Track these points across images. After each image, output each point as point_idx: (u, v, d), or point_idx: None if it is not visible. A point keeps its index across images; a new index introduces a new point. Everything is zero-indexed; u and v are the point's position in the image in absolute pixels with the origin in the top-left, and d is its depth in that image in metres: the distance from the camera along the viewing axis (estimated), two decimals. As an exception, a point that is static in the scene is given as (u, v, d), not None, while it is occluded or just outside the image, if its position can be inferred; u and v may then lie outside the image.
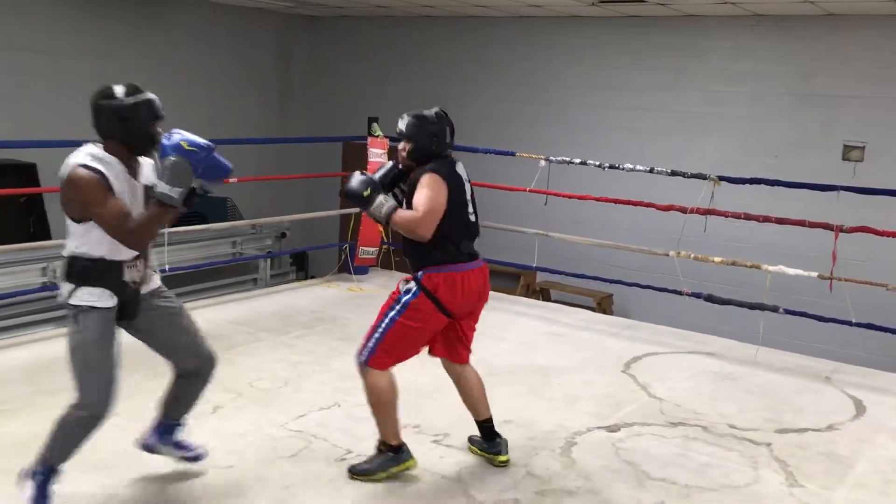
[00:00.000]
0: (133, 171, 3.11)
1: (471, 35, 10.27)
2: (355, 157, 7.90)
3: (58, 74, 8.99)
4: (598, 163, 6.67)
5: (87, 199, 2.95)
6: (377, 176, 3.62)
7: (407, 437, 4.07)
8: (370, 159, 7.15)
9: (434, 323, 3.55)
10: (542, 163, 6.83)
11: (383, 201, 3.47)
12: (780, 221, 5.96)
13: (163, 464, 3.62)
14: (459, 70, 10.38)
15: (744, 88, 8.59)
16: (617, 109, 9.25)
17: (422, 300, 3.48)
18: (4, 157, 8.36)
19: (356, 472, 3.61)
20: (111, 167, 3.01)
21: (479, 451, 3.89)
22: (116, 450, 3.58)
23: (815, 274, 5.72)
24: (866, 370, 5.67)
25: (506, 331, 6.07)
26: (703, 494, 3.70)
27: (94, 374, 3.05)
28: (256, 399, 4.49)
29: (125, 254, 3.09)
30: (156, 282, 3.32)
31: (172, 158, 2.94)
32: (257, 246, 9.10)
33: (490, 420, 3.85)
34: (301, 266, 10.29)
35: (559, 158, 6.85)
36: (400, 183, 3.66)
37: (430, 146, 3.58)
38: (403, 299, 3.50)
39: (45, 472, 3.10)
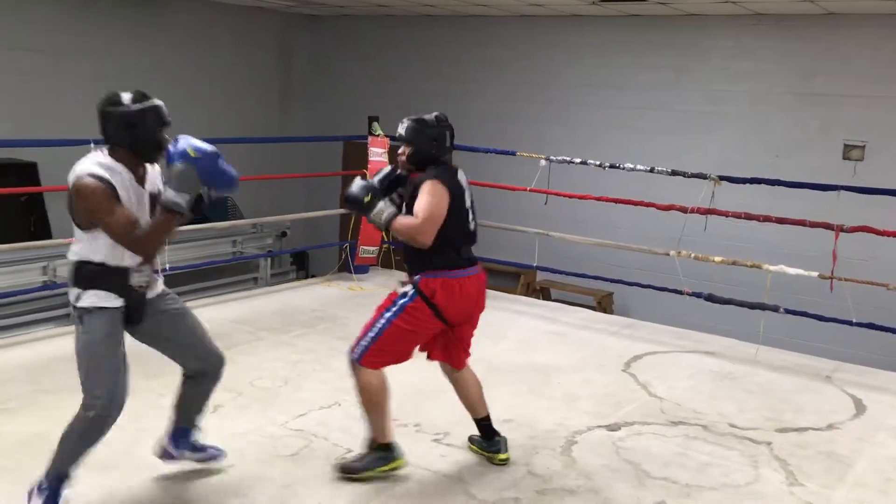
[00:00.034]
0: (140, 178, 3.12)
1: (471, 34, 10.27)
2: (356, 156, 7.91)
3: (58, 74, 8.99)
4: (598, 162, 6.67)
5: (95, 207, 2.96)
6: (376, 181, 3.62)
7: (407, 435, 4.08)
8: (371, 158, 7.15)
9: (429, 327, 3.55)
10: (543, 162, 6.84)
11: (383, 208, 3.48)
12: (780, 221, 5.96)
13: (163, 463, 3.62)
14: (460, 69, 10.38)
15: (744, 87, 8.59)
16: (618, 108, 9.25)
17: (418, 304, 3.48)
18: (5, 156, 8.36)
19: (345, 471, 3.59)
20: (118, 175, 3.02)
21: (478, 450, 3.90)
22: (116, 450, 3.58)
23: (815, 273, 5.72)
24: (866, 369, 5.67)
25: (506, 330, 6.07)
26: (704, 493, 3.70)
27: (101, 374, 3.04)
28: (257, 398, 4.49)
29: (131, 259, 3.10)
30: (160, 286, 3.32)
31: (179, 165, 2.95)
32: (258, 245, 9.11)
33: (488, 418, 3.85)
34: (301, 265, 10.29)
35: (560, 158, 6.85)
36: (398, 187, 3.66)
37: (430, 150, 3.58)
38: (400, 302, 3.51)
39: (53, 486, 3.08)
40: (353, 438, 3.99)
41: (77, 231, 3.08)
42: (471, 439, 3.96)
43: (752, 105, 8.57)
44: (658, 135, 8.97)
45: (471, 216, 3.64)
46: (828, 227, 5.64)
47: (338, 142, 10.25)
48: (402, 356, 3.59)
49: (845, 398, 5.03)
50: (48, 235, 8.14)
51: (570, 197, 6.87)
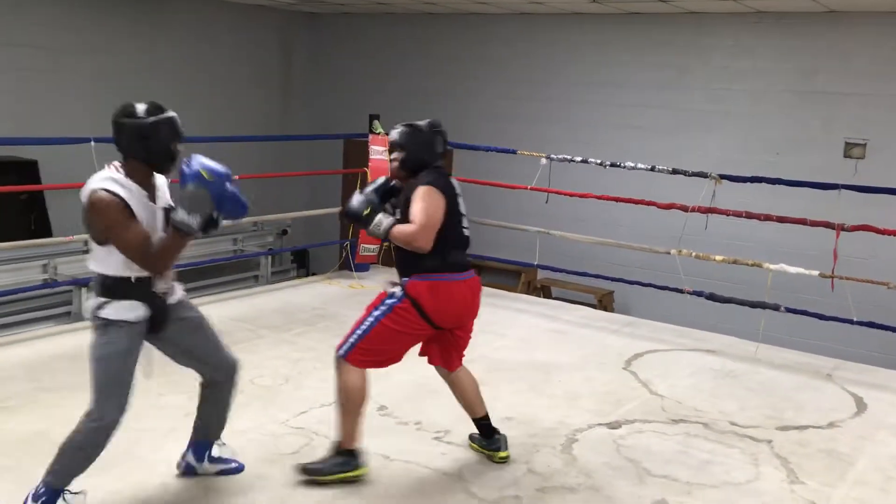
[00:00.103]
0: (151, 194, 3.13)
1: (472, 32, 10.26)
2: (356, 154, 7.90)
3: (58, 71, 8.99)
4: (599, 161, 6.67)
5: (108, 223, 2.97)
6: (370, 191, 3.63)
7: (408, 434, 4.09)
8: (371, 157, 7.15)
9: (416, 330, 3.53)
10: (544, 161, 6.84)
11: (382, 219, 3.50)
12: (781, 220, 5.95)
13: (163, 462, 3.63)
14: (460, 67, 10.38)
15: (745, 86, 8.58)
16: (618, 107, 9.25)
17: (405, 306, 3.48)
18: (5, 155, 8.36)
19: (306, 472, 3.54)
20: (131, 192, 3.03)
21: (479, 448, 3.90)
22: (117, 449, 3.56)
23: (816, 272, 5.72)
24: (867, 367, 5.68)
25: (507, 328, 6.07)
26: (704, 491, 3.70)
27: (115, 388, 3.05)
28: (258, 396, 4.49)
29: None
30: (179, 293, 3.32)
31: (192, 187, 2.97)
32: (258, 243, 9.11)
33: (486, 417, 3.86)
34: (302, 263, 10.28)
35: (560, 156, 6.85)
36: (392, 198, 3.66)
37: (422, 155, 3.59)
38: (388, 302, 3.51)
39: (50, 496, 3.07)
40: (354, 436, 3.99)
41: (94, 245, 3.08)
42: (471, 437, 3.96)
43: (752, 103, 8.57)
44: (659, 133, 8.96)
45: (465, 221, 3.64)
46: (828, 225, 5.64)
47: (338, 140, 10.22)
48: (388, 357, 3.58)
49: (846, 396, 5.04)
50: (48, 233, 8.14)
51: (571, 195, 6.87)
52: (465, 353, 3.80)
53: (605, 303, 8.82)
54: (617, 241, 7.17)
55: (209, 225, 3.06)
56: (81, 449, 3.06)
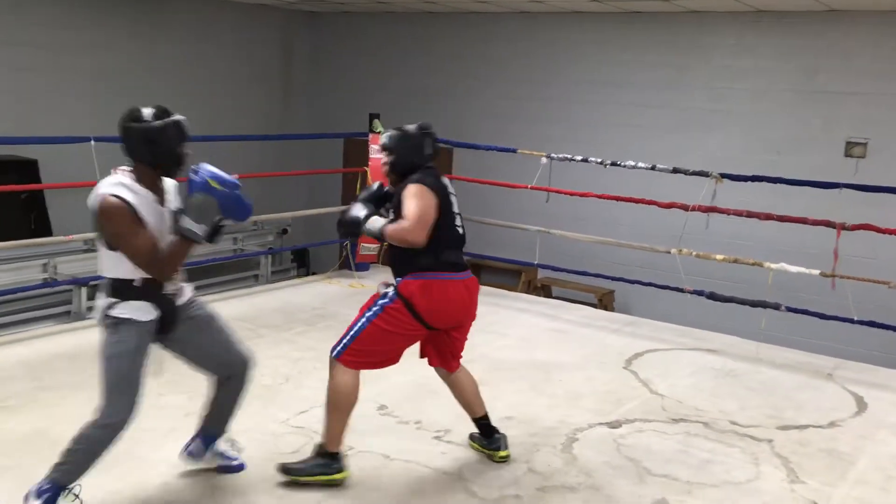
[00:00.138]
0: (160, 198, 3.15)
1: (472, 31, 10.26)
2: (357, 153, 7.91)
3: (58, 70, 8.99)
4: (599, 160, 6.66)
5: (117, 230, 3.00)
6: (363, 197, 3.66)
7: (408, 433, 4.09)
8: (371, 155, 7.15)
9: (409, 330, 3.50)
10: (544, 160, 6.84)
11: (376, 220, 3.52)
12: (781, 219, 5.95)
13: (163, 462, 3.63)
14: (461, 66, 10.38)
15: (746, 85, 8.57)
16: (619, 106, 9.24)
17: (397, 306, 3.46)
18: (5, 154, 8.36)
19: (287, 471, 3.53)
20: (140, 197, 3.05)
21: (479, 448, 3.90)
22: (117, 449, 3.56)
23: (817, 271, 5.72)
24: (867, 367, 5.67)
25: (507, 327, 6.07)
26: (705, 491, 3.70)
27: (124, 388, 3.07)
28: (258, 395, 4.46)
29: None
30: (189, 292, 3.34)
31: (199, 196, 3.01)
32: (258, 242, 9.10)
33: (486, 417, 3.85)
34: (302, 262, 10.29)
35: (561, 155, 6.85)
36: (386, 202, 3.68)
37: (411, 158, 3.61)
38: (380, 302, 3.50)
39: (53, 493, 3.08)
40: (354, 434, 3.98)
41: (104, 250, 3.11)
42: (471, 437, 3.96)
43: (753, 102, 8.56)
44: (659, 132, 8.96)
45: (458, 220, 3.63)
46: (829, 224, 5.64)
47: (339, 139, 10.25)
48: (382, 359, 3.56)
49: (846, 396, 5.03)
50: (49, 233, 8.14)
51: (572, 194, 6.87)
52: (462, 354, 3.79)
53: (605, 302, 8.82)
54: (617, 240, 7.16)
55: (215, 233, 3.13)
56: (90, 447, 3.07)
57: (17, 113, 8.51)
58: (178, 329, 3.25)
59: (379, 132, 7.20)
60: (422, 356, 3.77)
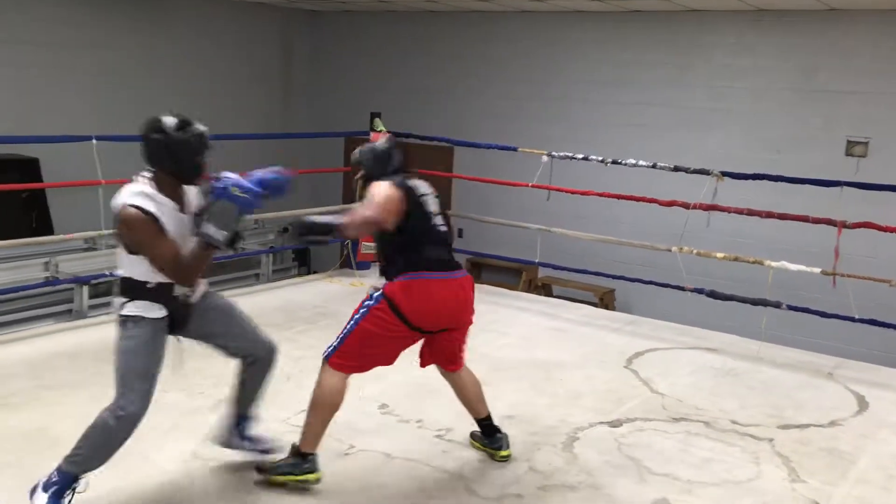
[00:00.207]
0: (181, 205, 3.19)
1: (473, 30, 10.26)
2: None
3: (59, 68, 8.99)
4: (600, 158, 6.66)
5: (139, 239, 3.07)
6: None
7: (409, 432, 4.09)
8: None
9: (395, 332, 3.46)
10: (545, 158, 6.84)
11: (329, 217, 3.50)
12: (782, 217, 5.95)
13: (165, 459, 3.64)
14: (462, 66, 10.37)
15: (746, 84, 8.57)
16: (619, 105, 9.24)
17: (382, 307, 3.45)
18: (7, 153, 8.36)
19: (259, 470, 3.54)
20: (161, 206, 3.10)
21: (480, 447, 3.90)
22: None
23: (817, 270, 5.72)
24: (868, 366, 5.67)
25: (508, 326, 6.07)
26: (705, 490, 3.70)
27: (136, 381, 3.10)
28: (259, 394, 4.48)
29: None
30: (204, 287, 3.39)
31: (222, 203, 3.07)
32: (259, 241, 9.11)
33: (489, 418, 3.85)
34: (303, 261, 10.28)
35: (561, 154, 6.85)
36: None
37: (380, 169, 3.65)
38: (367, 304, 3.49)
39: (62, 485, 3.08)
40: (355, 433, 4.00)
41: (122, 252, 3.17)
42: (472, 435, 3.96)
43: (754, 101, 8.56)
44: (660, 131, 8.95)
45: (438, 220, 3.60)
46: (830, 222, 5.64)
47: (339, 138, 10.24)
48: (371, 361, 3.54)
49: (847, 395, 5.03)
50: (50, 231, 8.14)
51: (572, 193, 6.87)
52: (462, 355, 3.76)
53: (606, 301, 8.83)
54: (618, 238, 7.16)
55: (236, 239, 3.18)
56: (102, 436, 3.09)
57: (17, 111, 8.51)
58: (194, 323, 3.31)
59: (380, 131, 7.20)
60: (421, 363, 3.73)
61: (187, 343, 3.42)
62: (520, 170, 7.38)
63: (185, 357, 3.41)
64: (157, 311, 3.17)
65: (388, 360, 3.59)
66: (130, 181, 3.16)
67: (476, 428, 3.91)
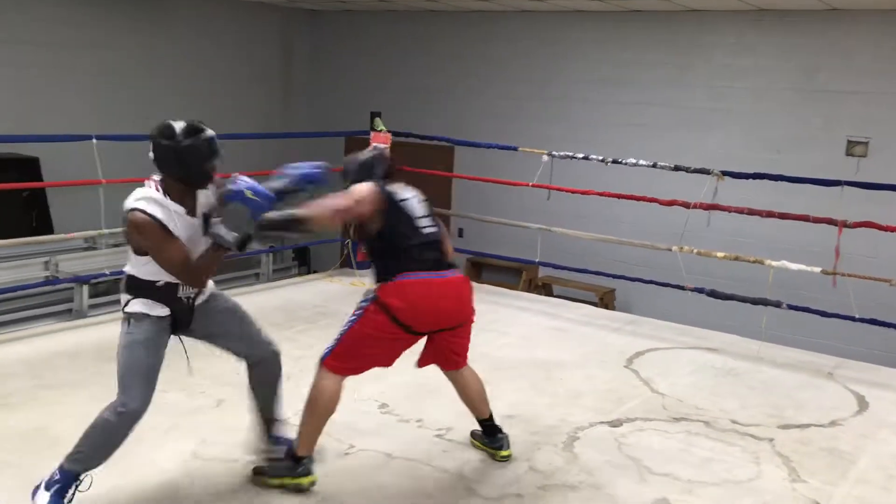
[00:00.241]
0: (190, 209, 3.20)
1: (473, 30, 10.25)
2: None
3: (59, 68, 8.98)
4: (600, 158, 6.66)
5: (147, 244, 3.09)
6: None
7: (409, 431, 4.09)
8: (372, 154, 7.13)
9: (388, 334, 3.45)
10: (545, 158, 6.83)
11: (286, 210, 3.34)
12: (783, 216, 5.95)
13: (165, 459, 3.63)
14: (462, 65, 10.37)
15: (746, 84, 8.57)
16: (620, 105, 9.24)
17: (374, 309, 3.45)
18: (7, 152, 8.36)
19: (255, 472, 3.54)
20: (168, 211, 3.11)
21: (481, 446, 3.90)
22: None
23: (818, 269, 5.71)
24: (869, 365, 5.67)
25: (508, 326, 6.07)
26: (706, 489, 3.69)
27: (136, 378, 3.12)
28: (259, 393, 4.48)
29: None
30: (210, 288, 3.39)
31: (235, 206, 3.10)
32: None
33: (491, 418, 3.85)
34: (303, 261, 10.29)
35: (562, 153, 6.84)
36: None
37: (363, 176, 3.70)
38: (361, 305, 3.49)
39: (64, 483, 3.09)
40: (355, 433, 3.99)
41: (131, 253, 3.20)
42: (473, 435, 3.96)
43: (754, 101, 8.56)
44: (660, 131, 8.95)
45: (423, 222, 3.59)
46: (831, 222, 5.63)
47: (339, 137, 10.23)
48: (367, 363, 3.54)
49: (848, 395, 5.03)
50: (50, 231, 8.15)
51: (573, 192, 6.87)
52: (463, 355, 3.74)
53: (606, 300, 8.82)
54: (618, 237, 7.15)
55: (246, 241, 3.18)
56: (103, 432, 3.10)
57: (17, 111, 8.50)
58: (198, 323, 3.33)
59: (381, 130, 7.20)
60: (419, 363, 3.72)
61: (189, 343, 3.43)
62: (520, 169, 7.37)
63: (188, 357, 3.42)
64: (160, 310, 3.18)
65: (385, 361, 3.58)
66: (132, 181, 3.18)
67: (476, 427, 3.90)
